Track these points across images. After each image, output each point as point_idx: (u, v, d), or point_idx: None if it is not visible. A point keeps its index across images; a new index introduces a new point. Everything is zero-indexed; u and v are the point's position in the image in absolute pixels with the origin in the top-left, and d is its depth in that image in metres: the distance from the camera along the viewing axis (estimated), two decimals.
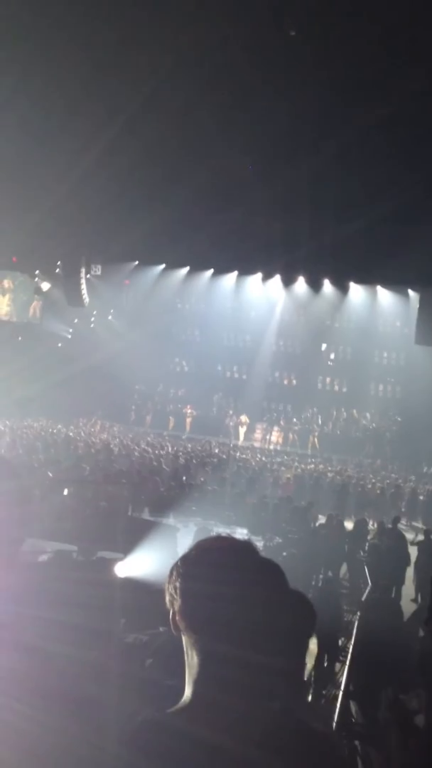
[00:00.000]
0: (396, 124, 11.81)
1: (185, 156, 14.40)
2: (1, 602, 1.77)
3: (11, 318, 30.27)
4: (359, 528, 13.06)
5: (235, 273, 27.51)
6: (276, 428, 28.37)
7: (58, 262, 25.57)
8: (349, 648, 6.87)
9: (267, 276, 26.98)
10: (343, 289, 26.49)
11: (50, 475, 12.97)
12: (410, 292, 24.01)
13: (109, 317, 29.25)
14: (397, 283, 23.64)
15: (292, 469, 20.65)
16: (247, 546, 1.50)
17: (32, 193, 16.46)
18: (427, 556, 11.41)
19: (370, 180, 13.86)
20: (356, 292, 26.71)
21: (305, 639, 2.35)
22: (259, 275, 27.14)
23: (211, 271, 27.52)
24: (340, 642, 7.36)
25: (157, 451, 20.47)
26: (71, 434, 22.77)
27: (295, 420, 28.26)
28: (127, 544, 6.81)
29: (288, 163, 13.75)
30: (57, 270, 26.00)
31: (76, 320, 29.28)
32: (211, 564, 1.44)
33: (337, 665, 6.89)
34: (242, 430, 28.28)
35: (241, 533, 10.96)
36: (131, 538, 7.22)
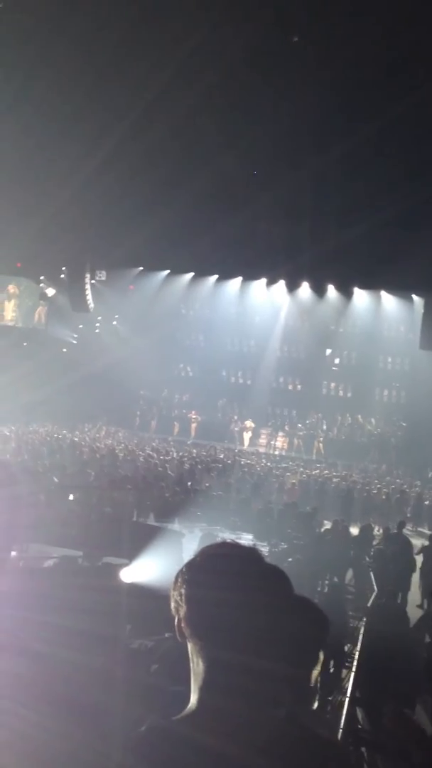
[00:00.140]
0: (401, 130, 11.85)
1: (189, 161, 14.46)
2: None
3: (16, 323, 30.40)
4: (365, 533, 13.03)
5: (240, 278, 27.59)
6: (281, 433, 28.30)
7: (63, 268, 25.71)
8: (355, 654, 6.83)
9: (271, 281, 27.05)
10: (347, 294, 26.51)
11: (55, 480, 13.01)
12: (414, 297, 24.00)
13: (114, 323, 29.32)
14: (401, 288, 23.66)
15: (297, 475, 20.57)
16: (252, 553, 1.49)
17: (36, 198, 16.56)
18: None
19: (374, 185, 13.89)
20: (360, 297, 26.70)
21: (315, 645, 2.32)
22: (263, 280, 27.20)
23: (216, 276, 27.58)
24: (345, 648, 7.32)
25: (162, 457, 20.46)
26: (76, 439, 22.78)
27: (299, 425, 28.18)
28: (132, 549, 6.79)
29: (292, 168, 13.80)
30: (62, 275, 26.13)
31: (81, 326, 29.40)
32: (217, 571, 1.44)
33: (343, 671, 6.86)
34: (247, 436, 28.24)
35: (246, 539, 10.94)
36: (136, 543, 7.21)
